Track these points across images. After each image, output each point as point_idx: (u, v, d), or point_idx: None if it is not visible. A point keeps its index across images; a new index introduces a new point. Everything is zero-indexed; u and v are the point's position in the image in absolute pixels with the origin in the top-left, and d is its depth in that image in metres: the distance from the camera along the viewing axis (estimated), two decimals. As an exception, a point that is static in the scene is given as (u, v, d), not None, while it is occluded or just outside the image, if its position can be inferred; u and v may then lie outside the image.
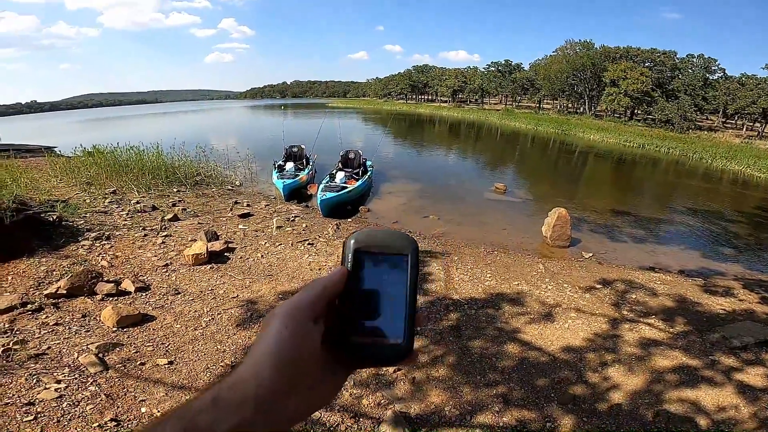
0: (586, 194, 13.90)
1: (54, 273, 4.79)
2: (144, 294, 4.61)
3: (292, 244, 6.59)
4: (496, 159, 21.75)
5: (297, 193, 10.42)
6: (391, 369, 3.58)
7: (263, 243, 6.55)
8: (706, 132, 42.20)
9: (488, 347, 4.05)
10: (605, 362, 3.93)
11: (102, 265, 5.16)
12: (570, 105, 61.20)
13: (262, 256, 6.02)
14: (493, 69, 71.02)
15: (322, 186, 9.87)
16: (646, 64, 49.44)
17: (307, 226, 7.71)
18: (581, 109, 57.66)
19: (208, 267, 5.43)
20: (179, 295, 4.65)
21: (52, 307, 4.12)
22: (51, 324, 3.84)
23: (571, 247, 7.89)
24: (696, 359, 4.05)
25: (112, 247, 5.77)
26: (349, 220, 8.76)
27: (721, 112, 46.46)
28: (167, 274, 5.17)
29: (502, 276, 5.89)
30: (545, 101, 67.27)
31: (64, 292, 4.31)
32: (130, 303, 4.38)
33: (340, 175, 10.53)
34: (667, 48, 50.34)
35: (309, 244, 6.65)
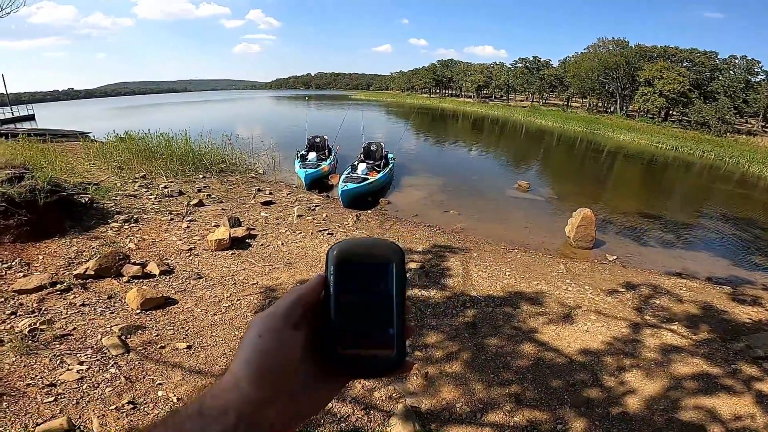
0: (613, 195, 13.51)
1: (84, 254, 4.96)
2: (167, 277, 4.73)
3: (311, 233, 6.65)
4: (520, 156, 21.36)
5: (318, 183, 10.52)
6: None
7: (284, 231, 6.64)
8: (744, 136, 40.28)
9: (504, 346, 4.00)
10: (623, 366, 3.84)
11: (129, 248, 5.33)
12: (600, 104, 59.41)
13: (282, 243, 6.10)
14: (520, 65, 69.62)
15: (343, 177, 9.90)
16: (685, 65, 47.46)
17: (327, 215, 7.77)
18: (612, 108, 55.89)
19: (230, 253, 5.54)
20: (201, 280, 4.76)
21: (80, 287, 4.25)
22: (78, 304, 3.95)
23: (595, 248, 7.69)
24: (717, 367, 3.92)
25: (139, 229, 5.96)
26: (369, 211, 8.78)
27: (761, 116, 44.25)
28: (190, 258, 5.30)
29: (521, 275, 5.80)
30: (574, 99, 65.49)
31: (93, 273, 4.45)
32: (154, 286, 4.49)
33: (361, 167, 10.54)
34: (708, 48, 48.25)
35: (328, 233, 6.70)
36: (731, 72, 46.32)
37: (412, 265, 5.62)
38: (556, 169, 18.36)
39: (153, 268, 4.79)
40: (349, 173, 10.30)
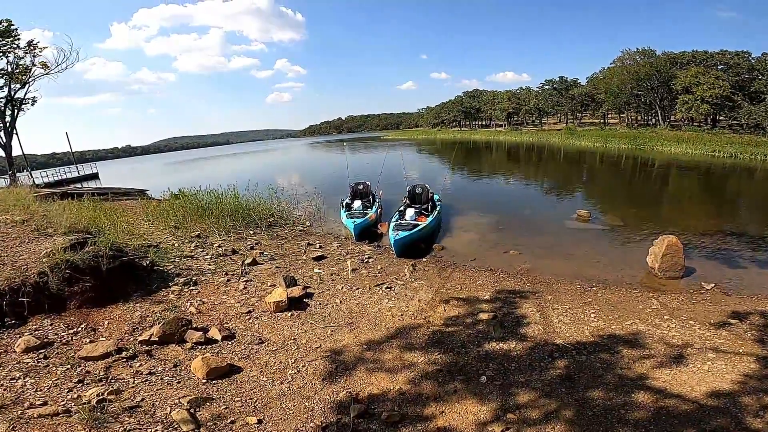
0: (682, 215, 12.23)
1: (147, 319, 4.91)
2: (230, 342, 4.57)
3: (369, 288, 6.35)
4: (567, 183, 20.36)
5: (367, 233, 10.11)
6: (497, 429, 3.12)
7: (340, 287, 6.37)
8: (807, 133, 36.90)
9: (612, 398, 3.49)
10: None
11: (190, 312, 5.24)
12: (639, 117, 57.21)
13: (340, 301, 5.83)
14: (548, 87, 68.79)
15: (392, 224, 9.50)
16: (719, 67, 44.96)
17: (382, 267, 7.44)
18: (653, 120, 53.55)
19: (289, 314, 5.34)
20: (263, 345, 4.56)
21: (145, 354, 4.17)
22: (144, 373, 3.84)
23: (685, 278, 6.83)
24: None
25: (199, 292, 5.89)
26: (424, 259, 8.28)
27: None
28: (250, 321, 5.13)
29: (609, 315, 5.17)
30: (610, 115, 63.51)
31: (157, 339, 4.37)
32: (218, 352, 4.35)
33: (409, 212, 10.15)
34: (737, 48, 45.40)
35: (387, 287, 6.37)
36: (770, 69, 43.08)
37: (483, 317, 5.13)
38: (611, 193, 17.22)
39: (215, 333, 4.67)
40: (397, 220, 9.93)
